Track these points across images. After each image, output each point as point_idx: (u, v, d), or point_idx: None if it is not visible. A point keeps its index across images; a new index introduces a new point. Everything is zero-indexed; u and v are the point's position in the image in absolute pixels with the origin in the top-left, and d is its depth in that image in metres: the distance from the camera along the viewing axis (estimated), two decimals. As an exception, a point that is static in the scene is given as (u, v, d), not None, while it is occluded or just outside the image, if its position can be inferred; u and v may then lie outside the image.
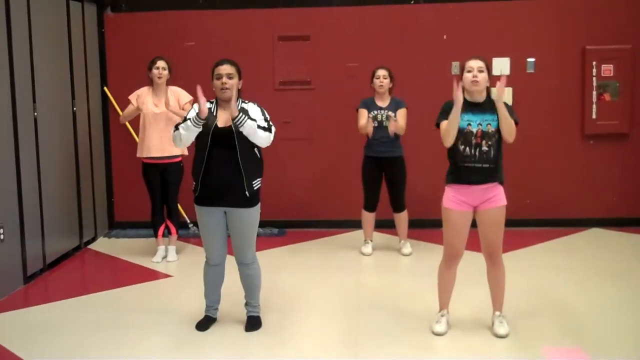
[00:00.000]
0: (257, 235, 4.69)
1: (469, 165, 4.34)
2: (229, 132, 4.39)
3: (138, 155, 6.38)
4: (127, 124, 7.21)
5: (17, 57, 5.74)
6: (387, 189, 6.51)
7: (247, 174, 4.42)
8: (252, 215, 4.55)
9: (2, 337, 4.64)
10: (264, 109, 4.56)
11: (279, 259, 6.51)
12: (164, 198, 6.42)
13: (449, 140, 4.33)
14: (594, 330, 4.60)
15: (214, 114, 4.46)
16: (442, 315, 4.60)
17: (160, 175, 6.35)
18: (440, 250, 4.69)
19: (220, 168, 4.41)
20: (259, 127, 4.36)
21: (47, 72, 6.30)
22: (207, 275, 4.72)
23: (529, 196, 7.40)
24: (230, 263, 4.73)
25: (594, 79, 7.31)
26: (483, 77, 4.33)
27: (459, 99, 4.23)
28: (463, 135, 4.33)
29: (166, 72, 6.26)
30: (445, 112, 4.35)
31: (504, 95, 4.28)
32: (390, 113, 6.26)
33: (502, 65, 7.21)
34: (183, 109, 6.15)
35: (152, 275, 6.12)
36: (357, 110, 6.40)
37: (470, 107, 4.34)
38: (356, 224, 6.93)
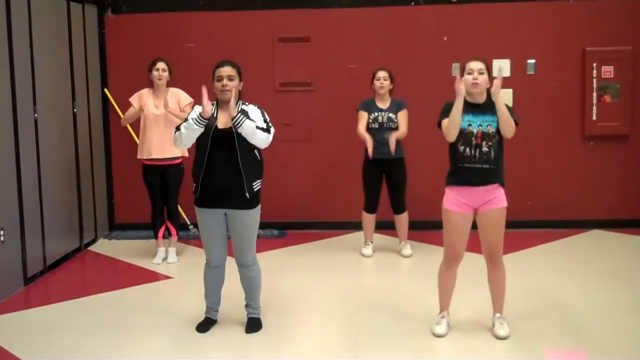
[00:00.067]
0: (258, 237, 4.69)
1: (469, 166, 4.33)
2: (229, 134, 4.38)
3: (138, 156, 6.38)
4: (128, 125, 7.21)
5: (18, 58, 5.74)
6: (387, 190, 6.50)
7: (247, 176, 4.42)
8: (253, 216, 4.54)
9: (2, 339, 4.64)
10: (264, 111, 4.56)
11: (279, 261, 6.50)
12: (164, 199, 6.41)
13: (452, 133, 4.30)
14: (595, 332, 4.60)
15: (215, 115, 4.46)
16: (443, 317, 4.59)
17: (161, 177, 6.34)
18: (440, 252, 4.69)
19: (221, 170, 4.41)
20: (257, 127, 4.36)
21: (48, 73, 6.30)
22: (208, 277, 4.71)
23: (529, 198, 7.40)
24: (231, 265, 4.72)
25: (595, 80, 7.31)
26: (483, 79, 4.32)
27: (461, 91, 4.23)
28: (463, 135, 4.32)
29: (166, 73, 6.26)
30: (446, 112, 4.35)
31: (500, 92, 4.23)
32: (386, 136, 6.18)
33: (502, 67, 7.17)
34: (183, 111, 6.14)
35: (152, 276, 6.11)
36: (357, 111, 6.40)
37: (470, 108, 4.33)
38: (356, 226, 6.94)
